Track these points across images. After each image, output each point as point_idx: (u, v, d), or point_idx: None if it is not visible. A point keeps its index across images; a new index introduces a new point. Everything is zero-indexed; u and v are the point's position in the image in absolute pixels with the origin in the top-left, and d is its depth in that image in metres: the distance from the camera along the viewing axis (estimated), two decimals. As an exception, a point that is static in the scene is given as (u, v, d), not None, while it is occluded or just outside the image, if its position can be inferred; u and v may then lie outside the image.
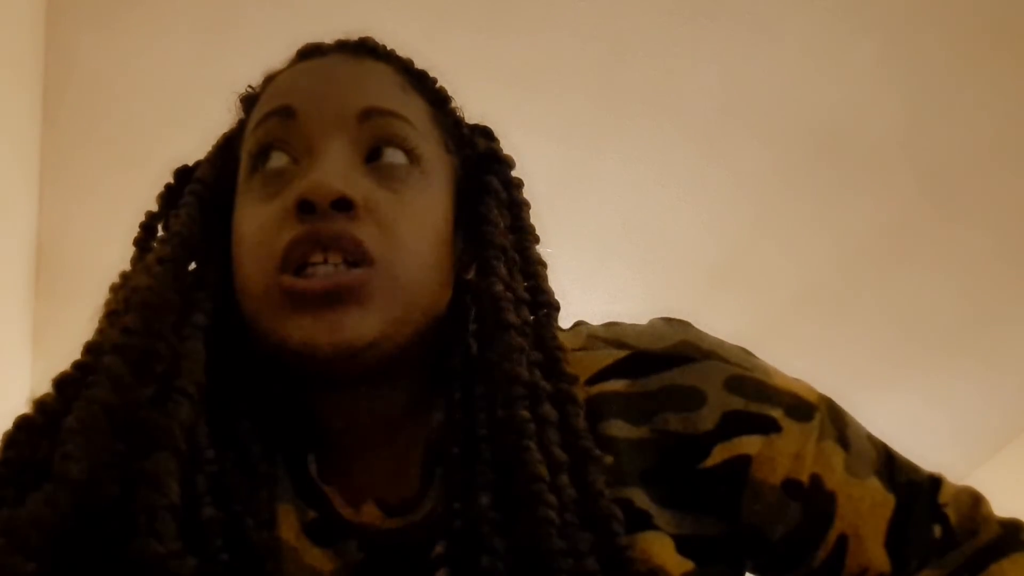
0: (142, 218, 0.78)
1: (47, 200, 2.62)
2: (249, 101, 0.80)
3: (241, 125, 0.79)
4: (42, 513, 0.58)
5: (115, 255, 0.75)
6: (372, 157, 0.72)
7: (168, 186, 0.80)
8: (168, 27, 2.36)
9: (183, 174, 0.80)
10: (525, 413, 0.66)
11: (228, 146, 0.79)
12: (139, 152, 2.23)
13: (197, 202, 0.74)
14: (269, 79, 0.79)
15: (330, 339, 0.66)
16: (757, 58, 2.53)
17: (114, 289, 0.73)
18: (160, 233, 0.77)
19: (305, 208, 0.67)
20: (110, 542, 0.61)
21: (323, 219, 0.67)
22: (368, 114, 0.72)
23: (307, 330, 0.66)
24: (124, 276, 0.74)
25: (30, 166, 2.48)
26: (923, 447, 0.77)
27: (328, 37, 0.80)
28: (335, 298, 0.66)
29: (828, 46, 2.52)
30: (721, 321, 0.83)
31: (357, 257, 0.67)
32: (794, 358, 0.82)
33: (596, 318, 0.79)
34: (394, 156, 0.72)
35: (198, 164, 0.80)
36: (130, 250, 0.76)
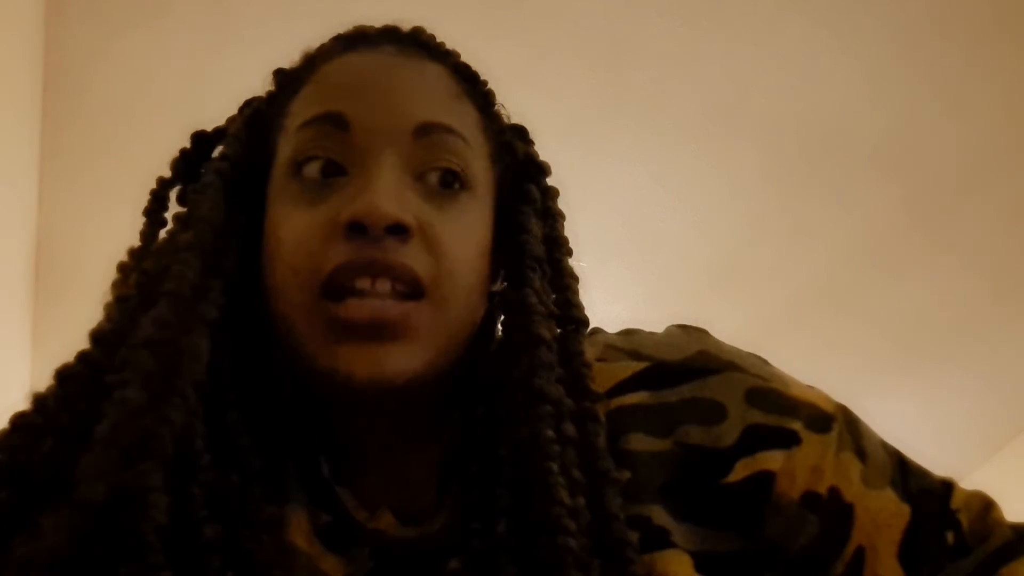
0: (152, 185, 0.75)
1: (47, 199, 2.62)
2: (286, 79, 0.76)
3: (273, 100, 0.75)
4: (61, 547, 0.56)
5: (115, 253, 0.73)
6: (424, 178, 0.69)
7: (184, 152, 0.76)
8: (168, 27, 2.36)
9: (201, 141, 0.76)
10: (551, 433, 0.64)
11: (257, 121, 0.75)
12: (139, 151, 2.23)
13: (223, 183, 0.71)
14: (311, 61, 0.75)
15: (370, 374, 0.64)
16: (755, 62, 2.53)
17: (123, 269, 0.70)
18: (173, 205, 0.73)
19: (356, 229, 0.65)
20: (96, 566, 0.58)
21: (374, 243, 0.65)
22: (424, 130, 0.69)
23: (349, 362, 0.64)
24: (133, 254, 0.71)
25: (29, 165, 2.48)
26: (916, 451, 0.77)
27: (327, 37, 0.77)
28: (379, 332, 0.64)
29: (824, 53, 2.52)
30: (719, 323, 0.83)
31: (409, 288, 0.65)
32: (790, 360, 0.82)
33: (595, 319, 0.79)
34: (447, 182, 0.69)
35: (219, 132, 0.76)
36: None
